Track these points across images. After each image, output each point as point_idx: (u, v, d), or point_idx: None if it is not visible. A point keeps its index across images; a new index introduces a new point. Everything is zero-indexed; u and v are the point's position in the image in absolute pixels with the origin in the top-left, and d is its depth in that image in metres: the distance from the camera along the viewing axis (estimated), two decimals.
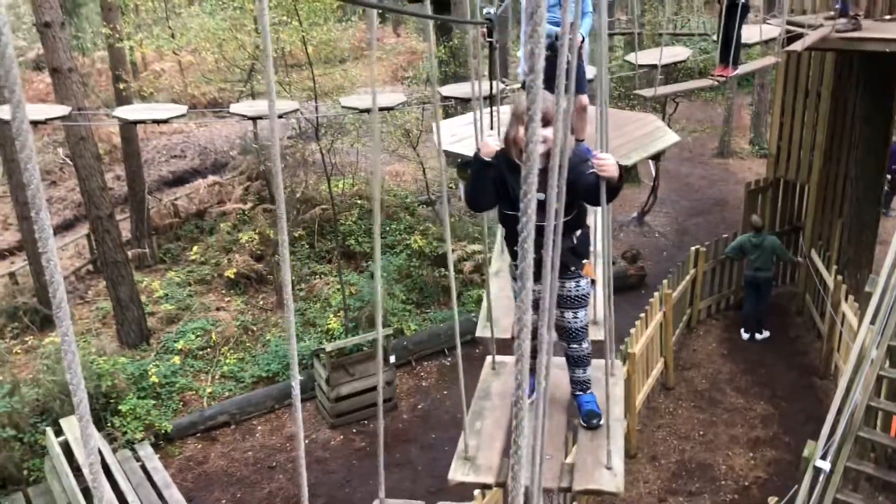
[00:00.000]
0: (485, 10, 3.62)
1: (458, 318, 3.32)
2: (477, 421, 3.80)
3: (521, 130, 3.19)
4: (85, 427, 0.92)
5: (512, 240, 3.54)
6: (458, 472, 3.51)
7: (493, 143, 3.28)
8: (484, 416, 3.84)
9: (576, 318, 3.60)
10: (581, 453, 3.52)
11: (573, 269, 3.53)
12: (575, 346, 3.65)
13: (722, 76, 9.09)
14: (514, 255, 3.57)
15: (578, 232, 3.51)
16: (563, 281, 3.54)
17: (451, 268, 3.53)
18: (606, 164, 3.10)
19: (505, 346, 3.86)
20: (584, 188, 3.16)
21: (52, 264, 0.89)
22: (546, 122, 3.04)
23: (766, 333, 11.33)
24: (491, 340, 4.03)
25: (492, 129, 3.55)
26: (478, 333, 4.20)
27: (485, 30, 3.70)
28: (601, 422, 3.61)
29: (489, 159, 3.28)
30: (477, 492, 6.70)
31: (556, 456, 3.52)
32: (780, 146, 12.07)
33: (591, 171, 3.14)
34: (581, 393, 3.76)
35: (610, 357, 3.77)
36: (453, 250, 13.17)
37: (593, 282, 3.71)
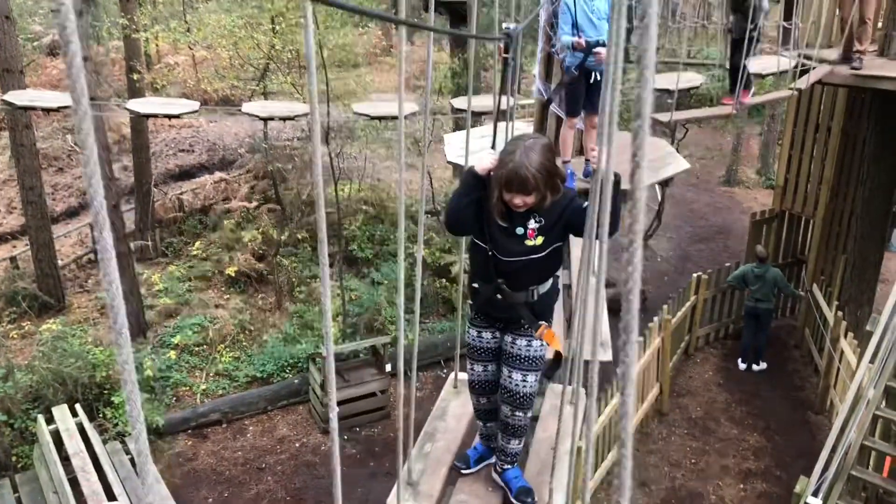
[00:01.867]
0: (504, 26, 3.53)
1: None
2: (427, 443, 3.58)
3: (507, 195, 2.95)
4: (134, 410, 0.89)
5: (475, 275, 3.23)
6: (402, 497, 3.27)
7: (489, 161, 3.04)
8: (436, 438, 3.62)
9: (524, 381, 3.18)
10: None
11: (526, 326, 3.17)
12: (519, 413, 3.21)
13: (729, 104, 9.11)
14: (472, 293, 3.28)
15: (542, 285, 3.16)
16: (514, 336, 3.21)
17: (462, 281, 3.48)
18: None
19: None
20: (579, 220, 2.92)
21: (114, 287, 0.84)
22: (528, 190, 2.89)
23: (764, 365, 11.31)
24: (455, 358, 3.94)
25: (494, 147, 3.32)
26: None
27: (502, 45, 3.59)
28: (535, 499, 3.25)
29: (482, 174, 3.04)
30: None
31: None
32: (788, 178, 12.08)
33: (579, 203, 3.04)
34: (509, 467, 3.35)
35: (571, 384, 3.60)
36: (455, 263, 13.17)
37: (557, 354, 3.33)
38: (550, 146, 3.09)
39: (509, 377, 3.20)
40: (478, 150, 3.37)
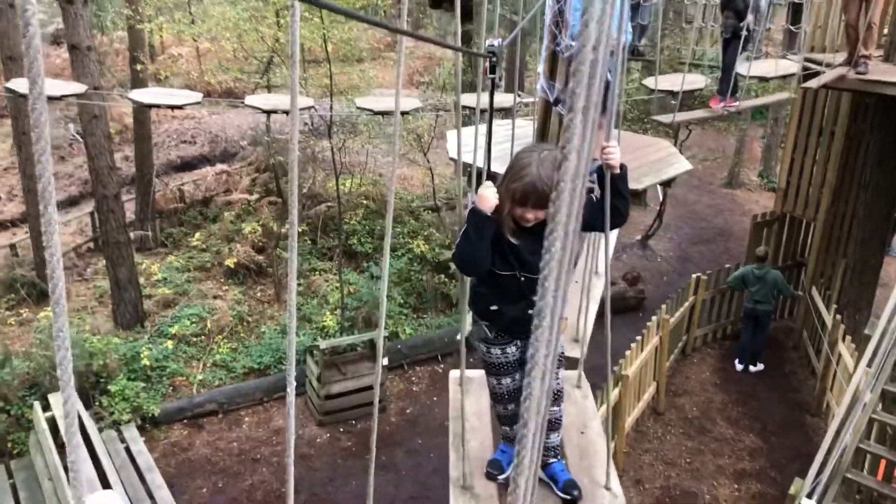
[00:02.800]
0: (489, 42, 3.44)
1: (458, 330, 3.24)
2: (460, 445, 3.54)
3: (519, 210, 2.85)
4: (68, 397, 0.92)
5: (493, 298, 3.11)
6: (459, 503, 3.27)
7: (491, 197, 2.88)
8: (467, 438, 3.60)
9: (556, 379, 3.21)
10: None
11: None
12: (555, 408, 3.26)
13: (714, 108, 9.16)
14: (488, 316, 3.16)
15: None
16: None
17: (464, 279, 3.42)
18: (612, 150, 2.94)
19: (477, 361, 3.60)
20: (591, 214, 2.93)
21: (52, 243, 0.88)
22: (545, 205, 2.71)
23: (761, 366, 11.32)
24: (461, 352, 3.83)
25: (488, 178, 3.20)
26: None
27: (487, 65, 3.46)
28: (582, 493, 3.25)
29: (489, 213, 2.87)
30: None
31: None
32: (790, 181, 12.08)
33: (592, 192, 3.00)
34: (554, 461, 3.36)
35: (580, 368, 3.63)
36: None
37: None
38: None
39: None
40: (480, 147, 3.32)
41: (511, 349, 3.20)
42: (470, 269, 3.03)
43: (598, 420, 3.68)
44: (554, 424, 3.29)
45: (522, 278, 2.97)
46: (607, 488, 3.23)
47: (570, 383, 3.38)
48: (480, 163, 3.39)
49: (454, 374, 3.91)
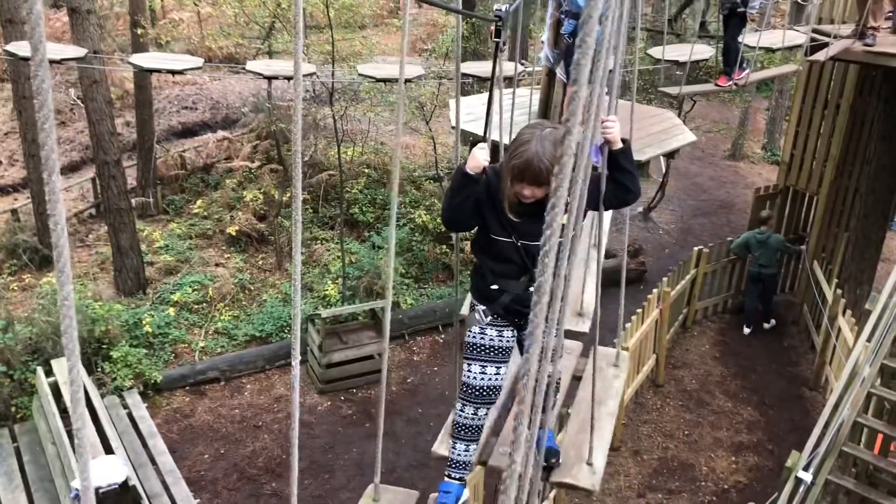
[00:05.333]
0: (496, 7, 3.40)
1: (457, 296, 3.25)
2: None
3: (517, 186, 2.81)
4: (73, 366, 0.91)
5: (494, 275, 3.05)
6: (441, 447, 3.40)
7: (482, 158, 2.91)
8: None
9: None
10: (564, 445, 3.42)
11: None
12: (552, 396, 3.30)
13: (724, 84, 9.06)
14: (489, 297, 3.08)
15: None
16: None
17: (457, 246, 3.46)
18: (611, 125, 2.92)
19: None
20: (591, 192, 2.86)
21: (57, 212, 0.88)
22: (540, 182, 2.74)
23: (773, 322, 11.62)
24: (455, 317, 3.82)
25: (486, 139, 3.17)
26: (463, 311, 3.98)
27: (493, 28, 3.43)
28: (560, 460, 3.29)
29: (475, 174, 2.91)
30: None
31: None
32: (794, 154, 12.02)
33: (597, 170, 2.95)
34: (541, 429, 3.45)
35: (618, 347, 3.69)
36: None
37: None
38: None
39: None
40: (482, 116, 3.31)
41: (507, 333, 3.11)
42: (451, 224, 3.11)
43: (615, 401, 3.71)
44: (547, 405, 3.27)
45: (520, 244, 2.95)
46: (589, 463, 3.27)
47: (606, 360, 3.37)
48: (482, 132, 3.37)
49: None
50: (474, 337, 3.11)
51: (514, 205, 2.88)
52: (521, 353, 3.16)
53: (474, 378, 3.08)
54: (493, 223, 2.96)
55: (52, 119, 0.86)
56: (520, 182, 2.79)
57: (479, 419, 3.12)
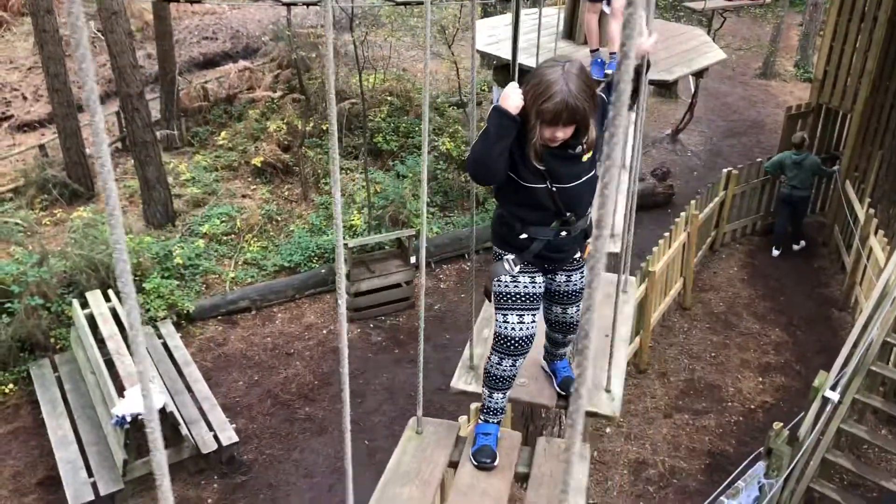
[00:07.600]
0: None
1: (476, 224, 3.23)
2: (486, 328, 3.65)
3: (549, 131, 2.67)
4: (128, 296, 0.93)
5: (523, 224, 2.91)
6: (460, 381, 3.44)
7: (516, 97, 2.70)
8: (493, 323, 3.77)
9: (578, 310, 3.12)
10: None
11: (578, 257, 3.04)
12: (571, 336, 3.23)
13: None
14: (518, 245, 2.94)
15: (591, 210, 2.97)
16: (569, 273, 3.05)
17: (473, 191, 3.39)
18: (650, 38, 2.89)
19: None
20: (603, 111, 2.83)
21: (102, 152, 0.88)
22: (576, 122, 2.65)
23: (803, 243, 11.53)
24: (470, 254, 3.84)
25: (513, 71, 3.04)
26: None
27: None
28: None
29: (514, 114, 2.70)
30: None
31: (529, 383, 3.40)
32: (828, 71, 11.67)
33: (602, 99, 2.85)
34: (559, 360, 3.39)
35: (624, 273, 3.68)
36: None
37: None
38: (584, 66, 2.77)
39: (564, 313, 3.13)
40: (504, 38, 3.24)
41: (539, 278, 3.00)
42: (484, 174, 2.79)
43: (627, 326, 3.72)
44: (566, 344, 3.32)
45: (554, 189, 2.81)
46: (607, 390, 3.30)
47: (613, 287, 3.37)
48: (507, 54, 3.31)
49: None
50: (507, 286, 2.96)
51: (539, 153, 2.75)
52: (549, 299, 3.14)
53: (513, 329, 2.94)
54: (523, 170, 2.78)
55: (89, 59, 0.85)
56: (554, 125, 2.64)
57: (517, 369, 3.06)
